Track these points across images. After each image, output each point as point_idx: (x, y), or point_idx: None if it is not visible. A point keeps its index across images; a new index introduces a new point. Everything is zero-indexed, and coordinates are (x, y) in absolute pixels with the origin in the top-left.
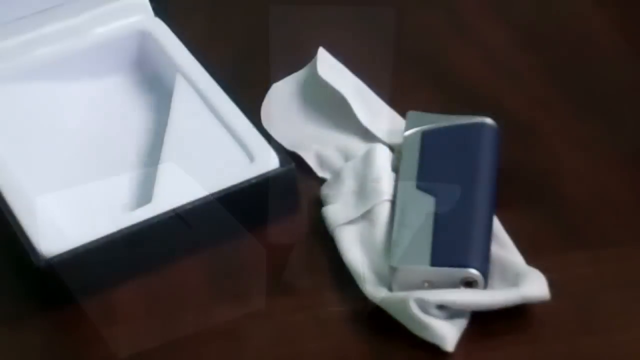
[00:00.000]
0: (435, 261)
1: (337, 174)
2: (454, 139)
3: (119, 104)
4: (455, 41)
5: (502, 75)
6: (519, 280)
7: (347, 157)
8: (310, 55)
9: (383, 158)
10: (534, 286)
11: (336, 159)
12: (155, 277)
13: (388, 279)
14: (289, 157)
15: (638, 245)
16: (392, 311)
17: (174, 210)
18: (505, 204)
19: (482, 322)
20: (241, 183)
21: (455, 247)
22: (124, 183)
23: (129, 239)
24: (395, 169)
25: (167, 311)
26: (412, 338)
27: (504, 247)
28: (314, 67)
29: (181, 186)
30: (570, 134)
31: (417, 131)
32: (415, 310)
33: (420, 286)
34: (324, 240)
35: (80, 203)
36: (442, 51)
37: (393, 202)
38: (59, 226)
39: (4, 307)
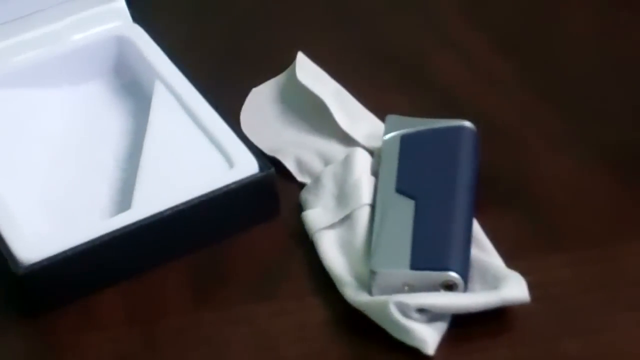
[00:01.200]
0: (415, 264)
1: (316, 179)
2: (433, 143)
3: (97, 110)
4: (434, 45)
5: (481, 79)
6: (499, 283)
7: (326, 162)
8: (290, 60)
9: (362, 162)
10: (514, 289)
11: (316, 164)
12: (135, 283)
13: (368, 283)
14: (268, 162)
15: (617, 247)
16: (372, 315)
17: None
18: (485, 206)
19: (462, 325)
20: (221, 188)
21: (435, 250)
22: (103, 189)
23: (108, 246)
24: (375, 173)
25: (147, 318)
26: (392, 342)
27: (483, 250)
28: (293, 72)
29: (161, 192)
30: (548, 137)
31: (396, 135)
32: (396, 313)
33: (400, 290)
34: (304, 245)
35: (59, 210)
36: (420, 55)
37: (373, 206)
38: (38, 233)
39: None
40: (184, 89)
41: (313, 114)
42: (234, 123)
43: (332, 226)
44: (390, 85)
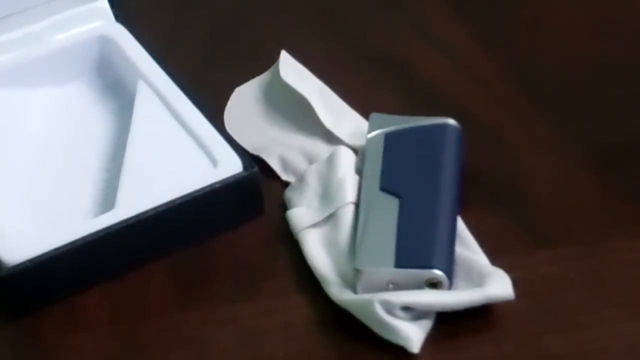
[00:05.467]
0: (400, 263)
1: (301, 177)
2: (416, 141)
3: (80, 110)
4: (417, 42)
5: (465, 76)
6: (484, 281)
7: (310, 160)
8: (273, 59)
9: (347, 160)
10: (499, 286)
11: (300, 162)
12: (119, 283)
13: (353, 282)
14: (252, 161)
15: (601, 243)
16: (357, 314)
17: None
18: (469, 204)
19: (447, 323)
20: (205, 188)
21: (419, 248)
22: (87, 190)
23: (92, 246)
24: (359, 171)
25: (132, 317)
26: (377, 340)
27: (468, 248)
28: (277, 71)
29: (144, 192)
30: (532, 133)
31: (380, 133)
32: (381, 312)
33: (385, 288)
34: (288, 244)
35: (42, 210)
36: (404, 52)
37: (357, 205)
38: (21, 234)
39: None
40: (167, 89)
41: (297, 113)
42: (217, 122)
43: (316, 225)
44: (373, 83)
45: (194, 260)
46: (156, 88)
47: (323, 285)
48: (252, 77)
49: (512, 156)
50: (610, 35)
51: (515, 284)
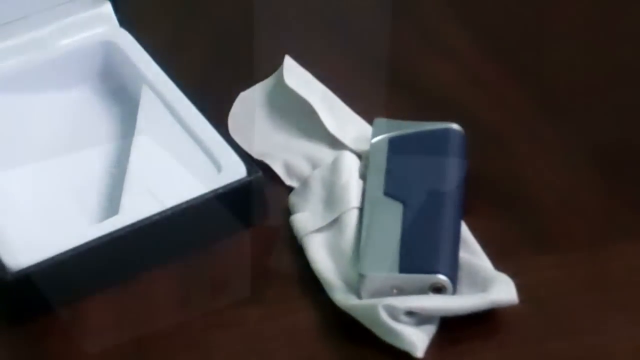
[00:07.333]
0: (404, 268)
1: (304, 182)
2: (420, 145)
3: (85, 116)
4: (421, 47)
5: (469, 81)
6: (488, 285)
7: (314, 165)
8: (277, 64)
9: (350, 165)
10: (502, 291)
11: (304, 167)
12: (124, 288)
13: (357, 287)
14: (256, 166)
15: (605, 248)
16: (361, 319)
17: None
18: (473, 209)
19: (451, 328)
20: (209, 193)
21: (423, 253)
22: (91, 195)
23: (96, 252)
24: (363, 176)
25: (136, 323)
26: (382, 345)
27: (472, 253)
28: (281, 76)
29: (148, 197)
30: (536, 138)
31: (384, 138)
32: (385, 317)
33: (389, 293)
34: (292, 249)
35: (47, 215)
36: (407, 58)
37: (361, 210)
38: (26, 239)
39: None
40: (172, 94)
41: (301, 118)
42: (221, 127)
43: (320, 230)
44: (377, 88)
45: (198, 265)
46: (160, 93)
47: (327, 290)
48: (256, 82)
49: (517, 161)
50: (613, 39)
51: (519, 289)
